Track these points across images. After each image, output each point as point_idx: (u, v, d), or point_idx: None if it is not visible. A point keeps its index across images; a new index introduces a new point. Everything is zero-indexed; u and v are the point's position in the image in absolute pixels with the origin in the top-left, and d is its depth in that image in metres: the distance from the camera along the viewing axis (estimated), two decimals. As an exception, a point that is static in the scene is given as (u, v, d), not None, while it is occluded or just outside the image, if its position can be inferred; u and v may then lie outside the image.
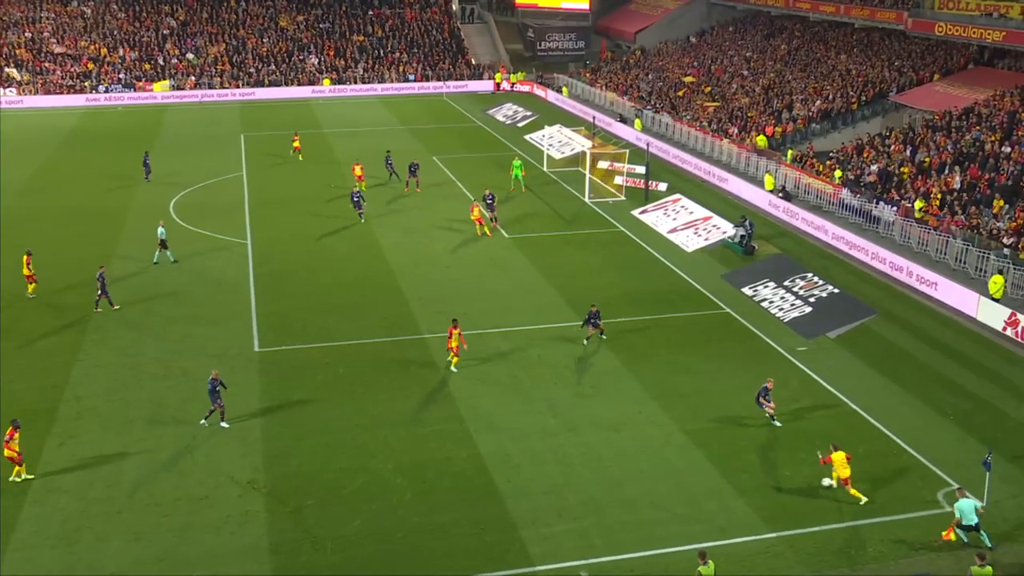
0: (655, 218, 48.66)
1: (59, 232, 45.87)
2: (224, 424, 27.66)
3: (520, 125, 73.79)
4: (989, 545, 21.97)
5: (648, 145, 57.61)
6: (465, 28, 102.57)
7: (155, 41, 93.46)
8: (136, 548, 22.32)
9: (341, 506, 23.96)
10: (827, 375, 31.12)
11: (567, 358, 32.36)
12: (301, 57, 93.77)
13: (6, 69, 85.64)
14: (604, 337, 33.38)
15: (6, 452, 24.78)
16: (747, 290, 38.76)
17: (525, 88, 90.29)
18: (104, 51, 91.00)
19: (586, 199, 52.14)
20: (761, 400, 27.84)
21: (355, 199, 47.52)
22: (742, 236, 43.19)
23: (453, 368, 31.14)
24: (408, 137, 69.35)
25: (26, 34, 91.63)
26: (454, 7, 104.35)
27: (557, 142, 64.12)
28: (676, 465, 25.86)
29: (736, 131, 60.10)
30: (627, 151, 57.22)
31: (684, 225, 47.00)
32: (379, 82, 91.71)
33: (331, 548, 22.35)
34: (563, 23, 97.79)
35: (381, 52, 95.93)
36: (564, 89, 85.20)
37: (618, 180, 54.09)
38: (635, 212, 49.77)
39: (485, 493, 24.53)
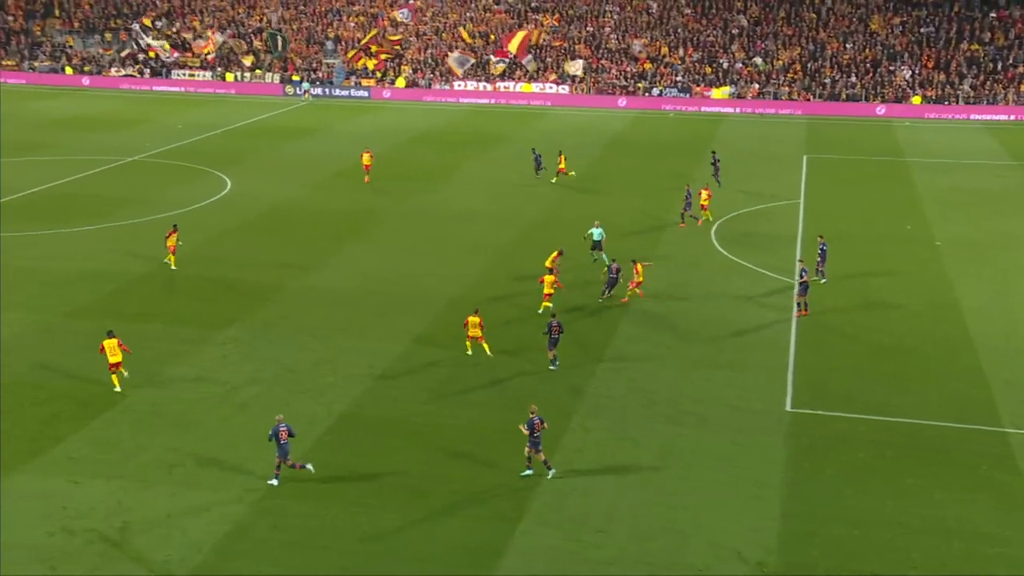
0: None
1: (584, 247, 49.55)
2: (271, 482, 27.89)
3: None
4: None
5: None
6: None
7: (720, 41, 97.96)
8: (619, 609, 23.38)
9: (866, 619, 23.17)
10: None
11: None
12: (890, 68, 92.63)
13: (565, 65, 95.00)
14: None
15: None
16: None
17: None
18: (665, 50, 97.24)
19: None
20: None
21: (820, 249, 44.69)
22: None
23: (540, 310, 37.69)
24: (1019, 175, 65.55)
25: (587, 28, 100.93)
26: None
27: None
28: None
29: None
30: None
31: None
32: (989, 103, 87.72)
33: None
34: None
35: (998, 66, 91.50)
36: None
37: None
38: None
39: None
